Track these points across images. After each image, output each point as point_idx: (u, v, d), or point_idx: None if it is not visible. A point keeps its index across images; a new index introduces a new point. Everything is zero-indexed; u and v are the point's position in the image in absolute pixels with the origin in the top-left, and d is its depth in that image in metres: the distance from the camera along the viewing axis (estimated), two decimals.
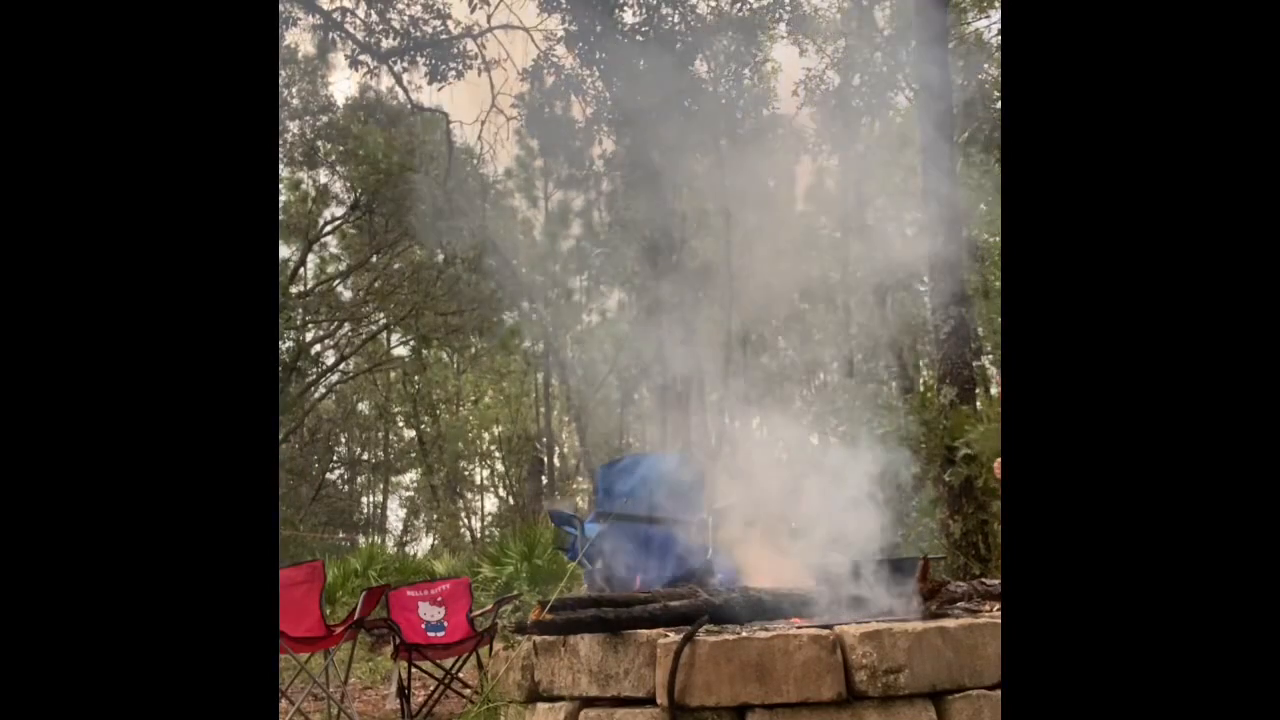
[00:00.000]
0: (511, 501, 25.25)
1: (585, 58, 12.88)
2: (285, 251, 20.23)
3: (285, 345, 19.25)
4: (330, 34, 12.85)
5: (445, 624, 5.55)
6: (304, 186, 20.41)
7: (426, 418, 25.85)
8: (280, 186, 17.99)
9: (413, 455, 26.94)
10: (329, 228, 21.33)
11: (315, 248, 21.69)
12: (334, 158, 19.09)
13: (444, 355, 25.34)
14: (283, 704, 4.85)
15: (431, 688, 5.36)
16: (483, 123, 14.52)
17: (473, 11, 13.02)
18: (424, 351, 23.77)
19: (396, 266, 20.62)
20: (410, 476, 28.16)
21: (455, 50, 12.98)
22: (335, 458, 26.65)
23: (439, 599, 5.66)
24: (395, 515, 28.43)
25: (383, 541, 22.83)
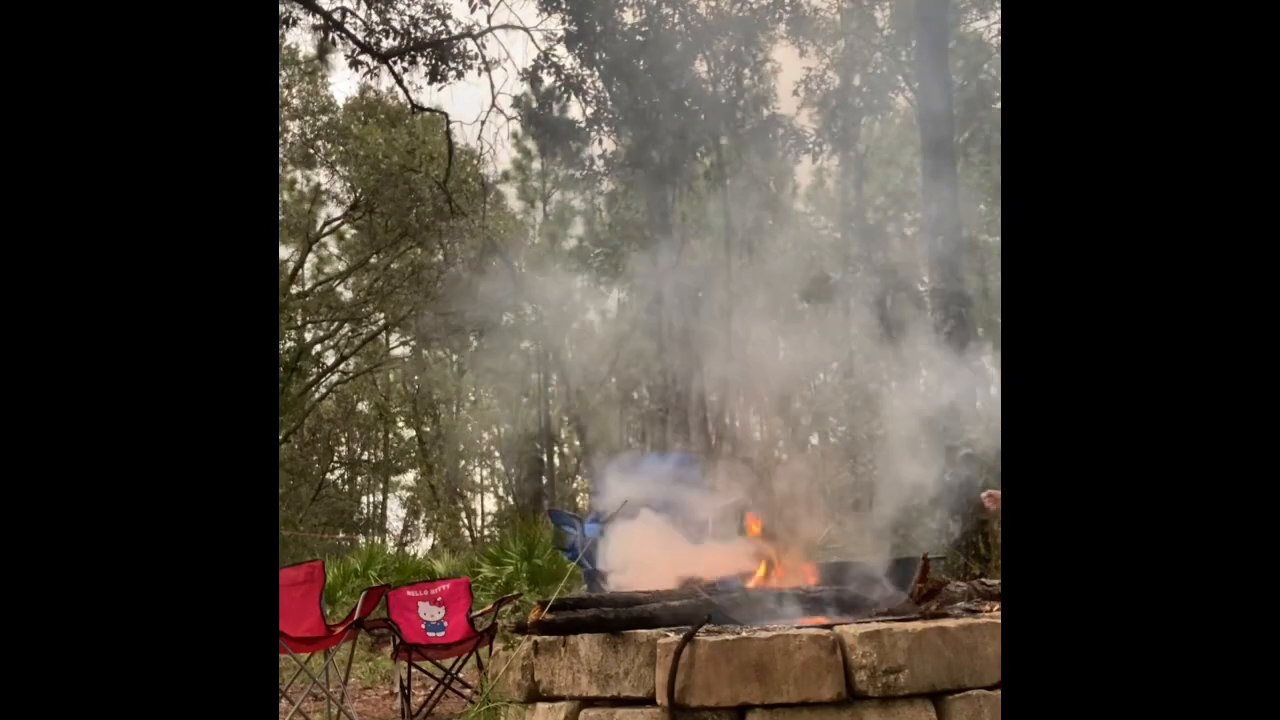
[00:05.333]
0: (511, 501, 25.24)
1: (585, 58, 12.88)
2: (285, 252, 20.25)
3: (285, 345, 19.25)
4: (330, 34, 12.84)
5: (445, 624, 5.54)
6: (298, 186, 20.43)
7: (426, 418, 25.86)
8: (280, 186, 18.00)
9: (413, 455, 26.95)
10: (328, 228, 21.35)
11: (315, 248, 21.71)
12: (334, 158, 19.10)
13: (444, 355, 25.34)
14: (283, 704, 4.85)
15: (431, 688, 5.36)
16: (483, 123, 14.51)
17: (473, 11, 13.04)
18: (424, 351, 23.77)
19: (395, 266, 20.62)
20: (410, 476, 28.18)
21: (455, 50, 12.98)
22: (335, 458, 26.65)
23: (439, 599, 5.65)
24: (395, 515, 28.45)
25: (383, 541, 22.82)
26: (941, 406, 7.97)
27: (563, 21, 12.84)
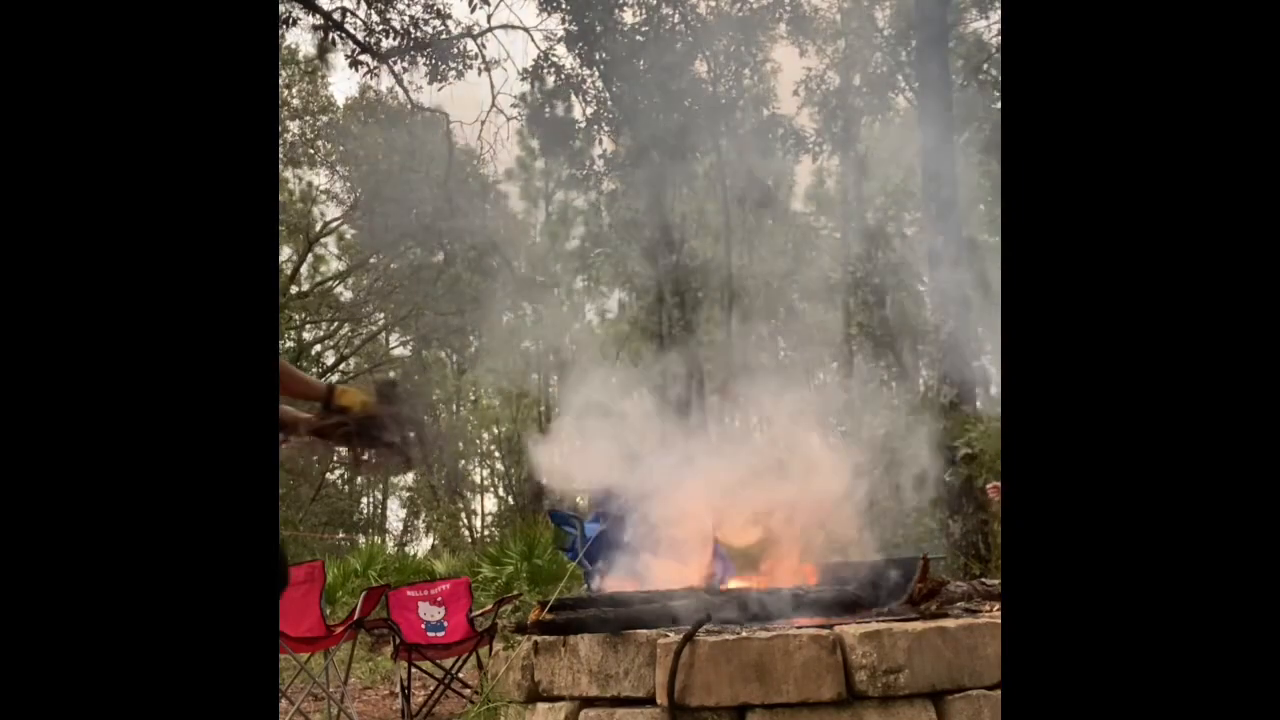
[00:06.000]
0: (511, 501, 25.25)
1: (585, 58, 12.89)
2: (285, 252, 20.26)
3: (285, 345, 19.26)
4: (330, 34, 12.85)
5: (445, 624, 5.54)
6: (296, 186, 20.44)
7: (426, 418, 25.81)
8: (280, 186, 18.01)
9: None
10: (328, 229, 21.36)
11: (314, 248, 21.72)
12: (334, 158, 19.11)
13: (444, 355, 25.35)
14: (283, 704, 4.85)
15: (431, 688, 5.36)
16: (483, 123, 14.52)
17: (473, 11, 13.04)
18: (424, 351, 23.78)
19: (395, 266, 20.62)
20: (410, 476, 28.18)
21: (455, 50, 12.99)
22: (335, 457, 26.59)
23: (439, 599, 5.65)
24: (395, 515, 28.45)
25: (383, 541, 22.82)
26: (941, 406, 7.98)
27: (563, 21, 12.85)
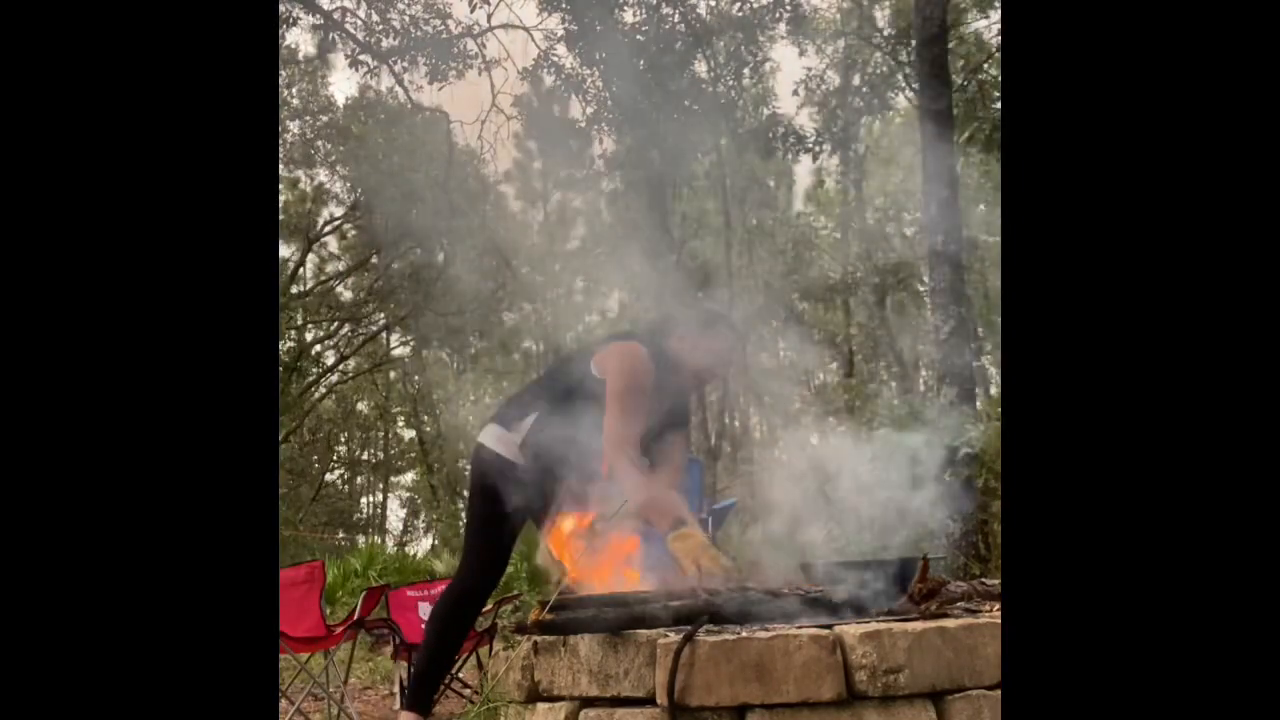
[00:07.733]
0: None
1: (585, 57, 12.89)
2: (285, 251, 20.28)
3: (285, 345, 19.26)
4: (330, 34, 12.84)
5: None
6: (301, 185, 20.45)
7: (426, 418, 25.85)
8: (280, 186, 18.02)
9: (413, 455, 26.95)
10: (329, 228, 21.37)
11: (315, 247, 21.73)
12: (334, 158, 19.11)
13: (444, 355, 25.35)
14: (283, 704, 4.85)
15: None
16: (483, 123, 14.51)
17: (473, 11, 13.03)
18: (424, 351, 23.79)
19: (395, 266, 20.62)
20: (410, 476, 28.17)
21: (455, 50, 12.98)
22: (335, 458, 26.66)
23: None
24: (395, 515, 28.45)
25: (383, 541, 22.82)
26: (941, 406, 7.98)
27: (562, 21, 12.84)
